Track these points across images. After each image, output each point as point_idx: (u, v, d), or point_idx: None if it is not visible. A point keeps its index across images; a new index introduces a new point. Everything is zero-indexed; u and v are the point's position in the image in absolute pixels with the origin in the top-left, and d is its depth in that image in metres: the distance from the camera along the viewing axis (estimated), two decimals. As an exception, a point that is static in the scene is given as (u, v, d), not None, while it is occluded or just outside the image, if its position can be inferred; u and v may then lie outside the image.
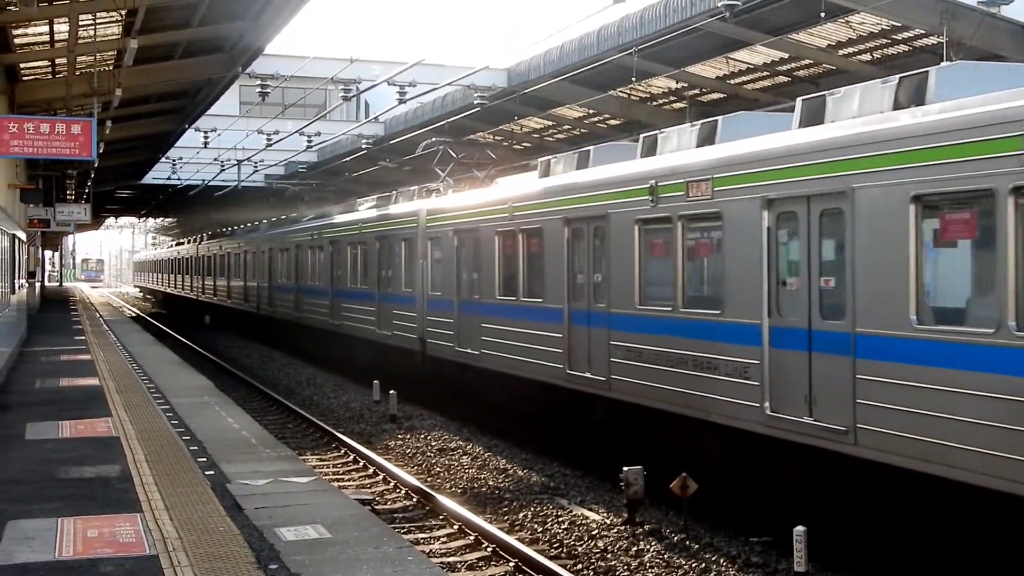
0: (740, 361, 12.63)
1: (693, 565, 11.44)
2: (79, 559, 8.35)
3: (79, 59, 21.43)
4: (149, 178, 47.24)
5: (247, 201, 52.34)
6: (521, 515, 13.81)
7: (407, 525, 13.38)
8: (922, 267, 10.29)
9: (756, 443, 12.59)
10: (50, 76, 24.24)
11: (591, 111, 29.64)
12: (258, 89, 28.48)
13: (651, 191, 14.48)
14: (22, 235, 30.39)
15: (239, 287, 47.31)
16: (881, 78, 12.12)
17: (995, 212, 9.39)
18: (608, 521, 13.21)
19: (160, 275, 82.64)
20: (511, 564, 11.51)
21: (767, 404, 12.14)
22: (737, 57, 22.86)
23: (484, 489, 15.47)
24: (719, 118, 14.58)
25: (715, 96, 26.21)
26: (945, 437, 9.76)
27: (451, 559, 11.88)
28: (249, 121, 38.08)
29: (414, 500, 14.71)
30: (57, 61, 22.56)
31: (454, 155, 26.54)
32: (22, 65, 22.67)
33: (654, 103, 28.10)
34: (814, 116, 12.38)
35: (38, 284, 51.02)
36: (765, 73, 23.76)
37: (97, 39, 19.09)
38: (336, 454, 18.40)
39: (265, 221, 47.36)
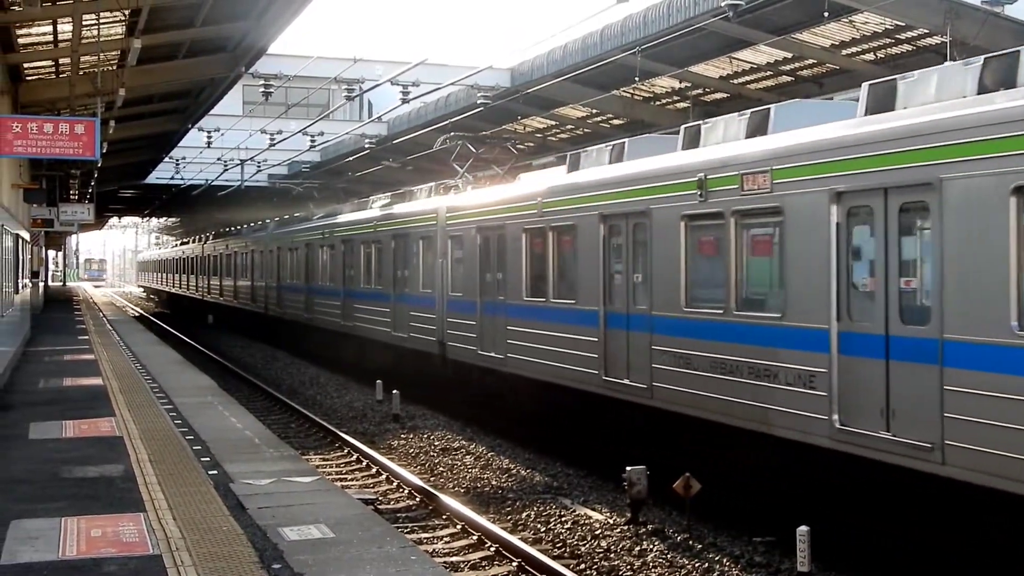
0: (804, 369, 11.63)
1: (696, 565, 11.43)
2: (82, 559, 8.35)
3: (82, 59, 21.45)
4: (152, 178, 47.33)
5: (250, 201, 52.38)
6: (524, 515, 13.80)
7: (410, 525, 13.38)
8: None
9: (822, 458, 11.52)
10: (54, 76, 24.28)
11: (594, 111, 29.65)
12: (261, 89, 28.51)
13: (699, 185, 13.42)
14: (26, 235, 30.41)
15: (246, 287, 46.37)
16: (951, 64, 11.41)
17: None
18: (611, 521, 13.21)
19: (165, 275, 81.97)
20: (514, 564, 11.51)
21: (835, 417, 11.13)
22: (740, 57, 22.87)
23: (487, 489, 15.47)
24: (771, 106, 13.57)
25: (718, 96, 26.21)
26: None
27: (454, 559, 11.88)
28: (252, 121, 38.11)
29: (417, 500, 14.71)
30: (61, 61, 22.59)
31: (473, 150, 25.52)
32: (26, 65, 22.70)
33: (657, 103, 28.10)
34: (883, 102, 11.39)
35: (41, 284, 51.04)
36: (768, 73, 23.76)
37: (100, 39, 19.12)
38: (339, 454, 18.40)
39: (273, 220, 46.56)
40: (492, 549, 12.09)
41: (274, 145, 37.34)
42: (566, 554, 12.09)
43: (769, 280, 12.94)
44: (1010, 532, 9.69)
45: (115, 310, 56.94)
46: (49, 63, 23.21)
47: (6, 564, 8.16)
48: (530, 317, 18.23)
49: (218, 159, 41.99)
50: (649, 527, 12.79)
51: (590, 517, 13.46)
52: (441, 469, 16.96)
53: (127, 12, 17.65)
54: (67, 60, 21.73)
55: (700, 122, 14.91)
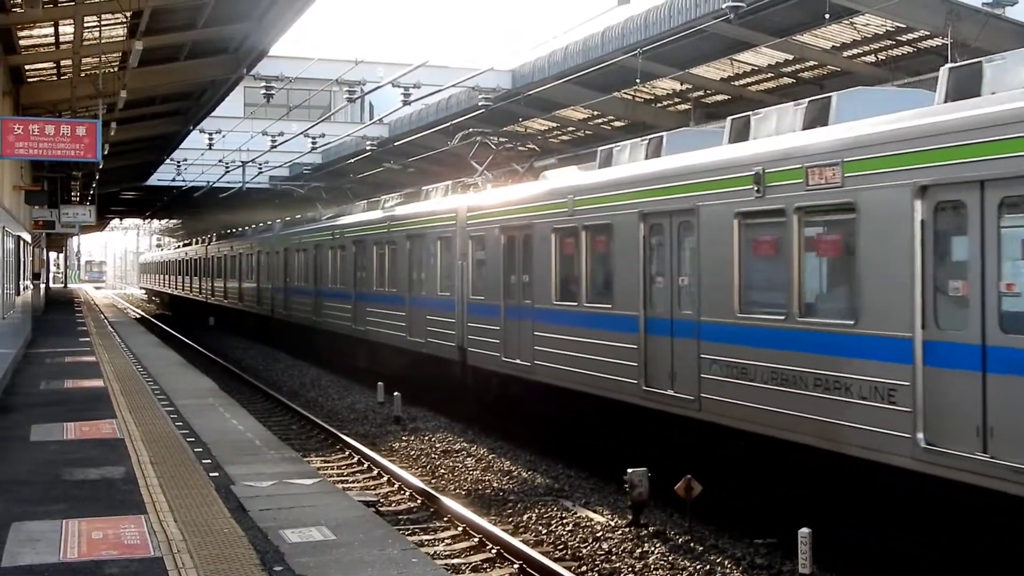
0: (882, 382, 10.54)
1: (698, 567, 11.43)
2: (84, 561, 8.35)
3: (84, 61, 21.47)
4: (154, 180, 47.38)
5: (252, 203, 52.38)
6: (525, 517, 13.80)
7: (411, 527, 13.37)
8: None
9: (902, 480, 10.51)
10: (55, 78, 24.29)
11: (595, 112, 29.65)
12: (263, 91, 28.52)
13: (756, 180, 12.33)
14: (27, 236, 30.41)
15: (251, 289, 45.40)
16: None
17: None
18: (612, 523, 13.20)
19: (167, 277, 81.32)
20: (515, 566, 11.51)
21: (920, 435, 10.07)
22: (741, 59, 22.87)
23: (488, 491, 15.47)
24: (832, 95, 12.52)
25: (720, 98, 26.21)
26: None
27: (455, 561, 11.88)
28: (254, 123, 38.11)
29: (418, 502, 14.71)
30: (62, 63, 22.60)
31: (494, 147, 24.35)
32: (27, 67, 22.72)
33: (658, 104, 28.10)
34: (966, 88, 10.50)
35: (43, 286, 51.03)
36: (770, 75, 23.76)
37: (102, 41, 19.15)
38: (340, 456, 18.40)
39: (279, 221, 45.58)
40: (493, 551, 12.09)
41: (275, 147, 37.37)
42: (567, 556, 12.09)
43: (839, 284, 11.88)
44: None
45: (116, 312, 56.95)
46: (51, 65, 23.23)
47: (7, 566, 8.16)
48: (560, 322, 17.14)
49: (219, 161, 42.01)
50: (650, 529, 12.79)
51: (591, 519, 13.45)
52: (442, 471, 16.96)
53: (129, 14, 17.65)
54: (69, 62, 21.75)
55: (749, 113, 13.80)
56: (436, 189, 25.99)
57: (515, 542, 12.03)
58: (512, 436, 19.27)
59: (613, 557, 11.88)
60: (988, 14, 17.84)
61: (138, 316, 61.88)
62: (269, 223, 47.48)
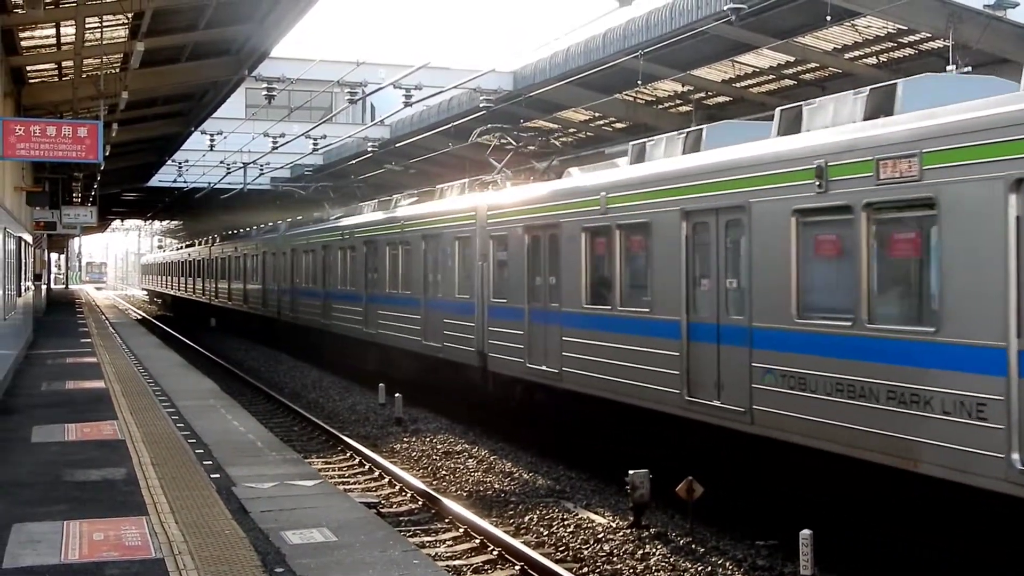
0: (969, 396, 9.65)
1: (699, 569, 11.42)
2: (85, 562, 8.35)
3: (85, 62, 21.47)
4: (155, 181, 47.39)
5: (253, 204, 52.38)
6: (527, 518, 13.80)
7: (413, 528, 13.37)
8: None
9: (992, 502, 9.65)
10: (56, 79, 24.30)
11: (597, 114, 29.66)
12: (264, 92, 28.50)
13: (818, 173, 11.38)
14: (28, 237, 30.42)
15: (257, 291, 44.38)
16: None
17: None
18: (614, 524, 13.20)
19: (169, 278, 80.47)
20: (517, 567, 11.50)
21: (1015, 456, 9.22)
22: (743, 60, 22.88)
23: (490, 492, 15.46)
24: (898, 81, 11.64)
25: (721, 99, 26.22)
26: None
27: (457, 562, 11.87)
28: (255, 124, 38.11)
29: (420, 503, 14.71)
30: (64, 64, 22.61)
31: (514, 143, 23.64)
32: (29, 68, 22.73)
33: (660, 106, 28.11)
34: None
35: (44, 287, 51.03)
36: (771, 77, 23.77)
37: (103, 42, 19.16)
38: (342, 457, 18.40)
39: (286, 221, 44.58)
40: (495, 553, 12.09)
41: (277, 148, 37.36)
42: (568, 558, 12.08)
43: (916, 287, 10.89)
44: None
45: (117, 313, 56.95)
46: (52, 66, 23.24)
47: (8, 568, 8.16)
48: (591, 327, 16.18)
49: (221, 162, 42.03)
50: (652, 531, 12.79)
51: (593, 521, 13.45)
52: (443, 472, 16.96)
53: (130, 15, 17.65)
54: (70, 63, 21.75)
55: (802, 103, 12.89)
56: (451, 188, 25.08)
57: (516, 544, 12.03)
58: (513, 438, 19.26)
59: (614, 559, 11.88)
60: (989, 16, 17.86)
61: (139, 317, 61.88)
62: (274, 224, 46.75)
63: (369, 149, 36.69)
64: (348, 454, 18.46)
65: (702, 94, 26.05)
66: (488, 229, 20.24)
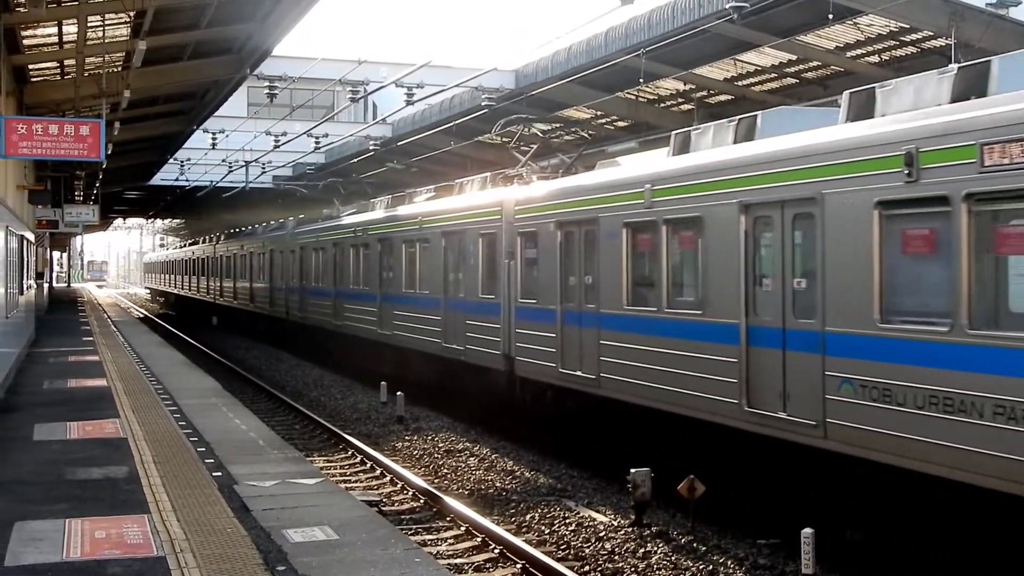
0: None
1: (700, 567, 11.42)
2: (87, 560, 8.35)
3: (87, 60, 21.48)
4: (157, 179, 47.43)
5: (255, 202, 52.38)
6: (528, 517, 13.80)
7: (414, 527, 13.38)
8: None
9: None
10: (59, 77, 24.31)
11: (598, 112, 29.66)
12: (266, 90, 28.54)
13: (907, 161, 10.24)
14: (30, 236, 30.45)
15: (263, 290, 43.10)
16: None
17: None
18: (615, 523, 13.20)
19: (173, 277, 79.36)
20: (518, 566, 11.50)
21: None
22: (745, 59, 22.89)
23: (491, 491, 15.47)
24: (993, 59, 10.55)
25: (723, 98, 26.21)
26: None
27: (458, 561, 11.88)
28: (257, 122, 38.16)
29: (421, 501, 14.71)
30: (66, 62, 22.63)
31: (541, 134, 22.43)
32: (31, 66, 22.74)
33: (661, 105, 28.12)
34: None
35: (46, 285, 51.06)
36: (773, 75, 23.77)
37: (106, 40, 19.17)
38: (343, 455, 18.41)
39: (293, 218, 43.32)
40: (496, 551, 12.09)
41: (279, 147, 37.39)
42: (570, 556, 12.08)
43: None
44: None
45: (119, 311, 56.97)
46: (54, 64, 23.25)
47: (10, 566, 8.17)
48: (633, 330, 15.02)
49: (223, 161, 42.06)
50: (653, 529, 12.78)
51: (594, 519, 13.45)
52: (445, 471, 16.96)
53: (132, 14, 17.67)
54: (72, 61, 21.77)
55: (874, 86, 11.83)
56: (472, 182, 23.85)
57: (518, 542, 12.03)
58: (515, 436, 19.26)
59: (616, 557, 11.88)
60: (992, 15, 17.86)
61: (141, 316, 61.90)
62: (282, 221, 45.78)
63: (371, 148, 36.71)
64: (350, 452, 18.47)
65: (704, 92, 26.05)
66: (516, 225, 19.08)
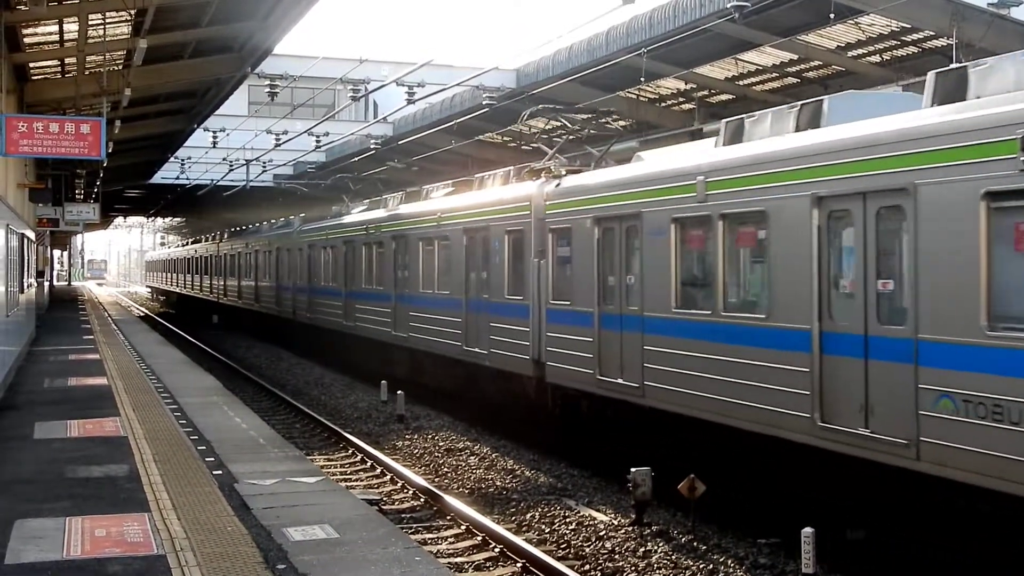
0: None
1: (701, 566, 11.42)
2: (87, 558, 8.36)
3: (88, 59, 21.48)
4: (158, 178, 47.45)
5: (256, 201, 52.37)
6: (529, 516, 13.80)
7: (415, 525, 13.38)
8: None
9: None
10: (59, 75, 24.31)
11: (600, 111, 29.61)
12: (267, 89, 28.56)
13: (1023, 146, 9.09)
14: (31, 234, 30.45)
15: (269, 289, 41.91)
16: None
17: None
18: (616, 522, 13.20)
19: (175, 275, 78.16)
20: (518, 565, 11.50)
21: None
22: (746, 58, 22.89)
23: (492, 489, 15.47)
24: None
25: (724, 97, 26.21)
26: None
27: (459, 559, 11.88)
28: (258, 121, 38.18)
29: (422, 500, 14.71)
30: (66, 60, 22.63)
31: (570, 124, 21.46)
32: (31, 64, 22.74)
33: (662, 104, 28.11)
34: None
35: (47, 283, 51.07)
36: (774, 74, 23.77)
37: (106, 39, 19.15)
38: (344, 454, 18.41)
39: (301, 216, 41.94)
40: (496, 550, 12.09)
41: (279, 145, 37.40)
42: (570, 555, 12.08)
43: None
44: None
45: (120, 310, 56.98)
46: (55, 63, 23.25)
47: (10, 564, 8.17)
48: (683, 335, 13.84)
49: (223, 159, 42.06)
50: (653, 528, 12.78)
51: (594, 518, 13.45)
52: (446, 470, 16.96)
53: (133, 12, 17.67)
54: (73, 60, 21.78)
55: (967, 64, 10.74)
56: (494, 176, 22.54)
57: (518, 541, 12.03)
58: (515, 435, 19.26)
59: (616, 556, 11.88)
60: (993, 15, 17.85)
61: (142, 314, 61.90)
62: (290, 218, 44.58)
63: (372, 146, 36.72)
64: (350, 451, 18.47)
65: (705, 92, 26.04)
66: (547, 221, 17.91)
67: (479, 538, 12.59)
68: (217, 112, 31.13)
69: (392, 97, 35.16)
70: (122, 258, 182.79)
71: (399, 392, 22.16)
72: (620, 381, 15.30)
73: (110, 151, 25.47)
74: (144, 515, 9.70)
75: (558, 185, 17.92)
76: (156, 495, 10.53)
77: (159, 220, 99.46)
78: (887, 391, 10.47)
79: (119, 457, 12.55)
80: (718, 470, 13.41)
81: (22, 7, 16.86)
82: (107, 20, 18.70)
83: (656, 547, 12.12)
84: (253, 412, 17.75)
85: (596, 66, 23.70)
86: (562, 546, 12.42)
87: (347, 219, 31.82)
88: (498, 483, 15.83)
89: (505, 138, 35.32)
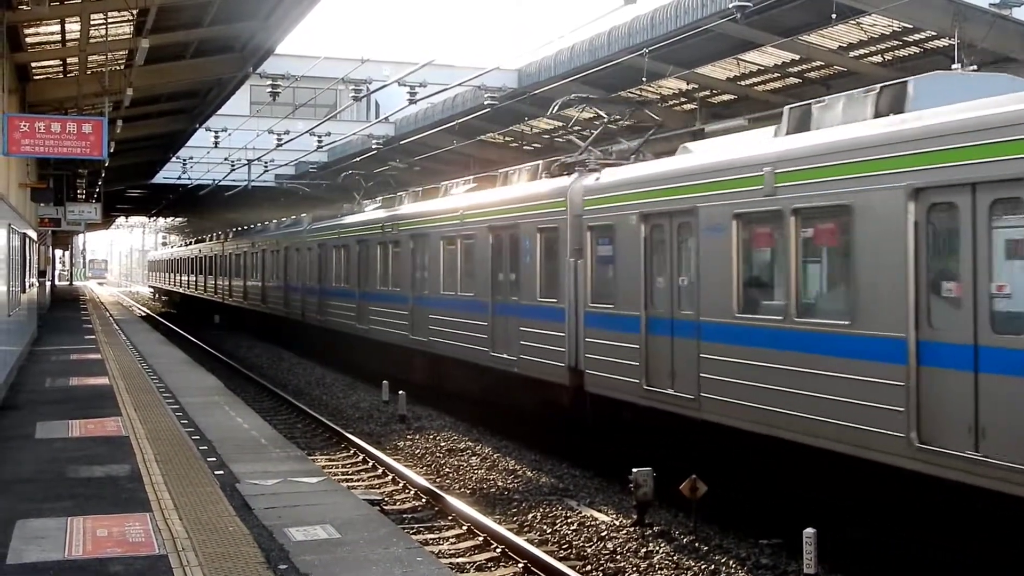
0: None
1: (702, 567, 11.42)
2: (88, 558, 8.36)
3: (90, 58, 21.50)
4: (159, 177, 47.48)
5: (258, 200, 52.38)
6: (530, 516, 13.79)
7: (416, 526, 13.38)
8: None
9: None
10: (61, 75, 24.33)
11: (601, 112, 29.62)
12: (269, 89, 28.58)
13: None
14: (33, 234, 30.46)
15: (277, 290, 40.72)
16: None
17: None
18: (617, 522, 13.19)
19: (178, 275, 77.17)
20: (520, 565, 11.50)
21: None
22: (747, 58, 22.88)
23: (493, 490, 15.46)
24: None
25: (726, 97, 26.20)
26: None
27: (460, 560, 11.88)
28: (260, 121, 38.20)
29: (423, 501, 14.71)
30: (68, 60, 22.64)
31: (605, 115, 20.18)
32: (34, 64, 22.75)
33: (664, 104, 28.10)
34: None
35: (48, 283, 51.08)
36: (776, 75, 23.76)
37: (108, 38, 19.15)
38: (345, 454, 18.41)
39: (310, 214, 39.96)
40: (498, 550, 12.09)
41: (281, 145, 37.42)
42: (572, 555, 12.08)
43: None
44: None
45: (122, 310, 57.00)
46: (57, 62, 23.26)
47: (12, 564, 8.17)
48: (747, 343, 12.60)
49: (225, 159, 42.09)
50: (655, 529, 12.78)
51: (596, 519, 13.45)
52: (447, 470, 16.96)
53: (135, 12, 17.68)
54: (75, 59, 21.79)
55: None
56: (519, 171, 21.12)
57: (520, 541, 12.03)
58: (517, 435, 19.25)
59: (618, 556, 11.88)
60: (995, 15, 17.85)
61: (143, 314, 61.91)
62: (298, 216, 43.12)
63: (373, 146, 36.72)
64: (352, 451, 18.47)
65: (707, 92, 26.02)
66: (584, 218, 16.71)
67: (481, 538, 12.59)
68: (219, 112, 31.14)
69: (394, 97, 35.18)
70: (123, 258, 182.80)
71: (400, 392, 22.15)
72: (671, 392, 14.13)
73: (112, 151, 25.50)
74: (146, 515, 9.70)
75: (597, 179, 16.69)
76: (158, 495, 10.53)
77: (160, 220, 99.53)
78: (1003, 409, 9.27)
79: (121, 457, 12.55)
80: (718, 470, 13.40)
81: (24, 7, 16.86)
82: (109, 20, 18.71)
83: (658, 548, 12.12)
84: (255, 412, 17.75)
85: (598, 66, 23.70)
86: (564, 546, 12.41)
87: (361, 217, 30.52)
88: (500, 483, 15.83)
89: (507, 138, 35.32)
